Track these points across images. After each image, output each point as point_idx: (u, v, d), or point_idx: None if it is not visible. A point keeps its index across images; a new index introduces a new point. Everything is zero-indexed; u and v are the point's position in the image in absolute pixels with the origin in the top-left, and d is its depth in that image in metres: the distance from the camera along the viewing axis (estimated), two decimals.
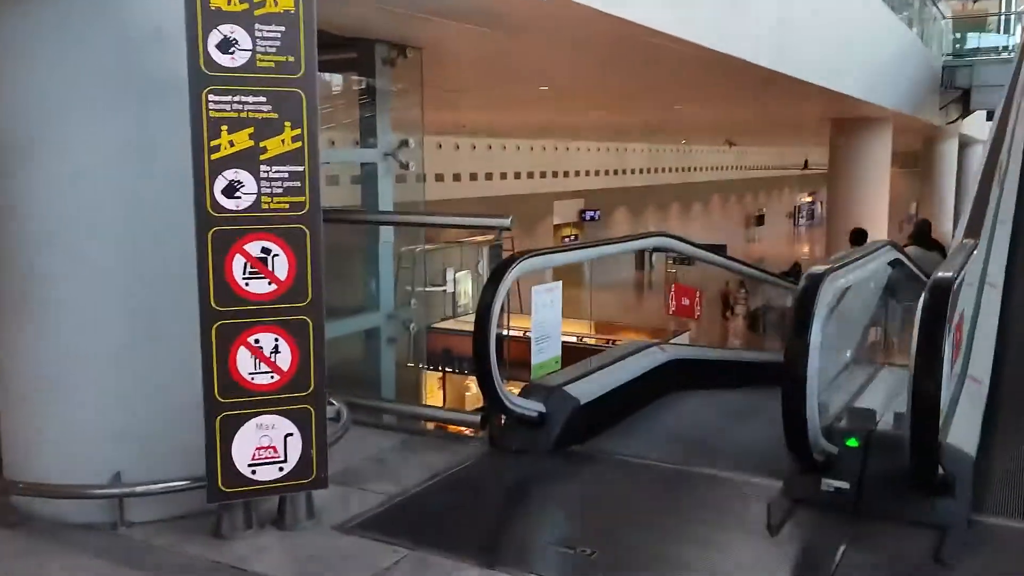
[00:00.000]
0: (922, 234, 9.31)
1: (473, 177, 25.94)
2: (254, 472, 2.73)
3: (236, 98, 2.61)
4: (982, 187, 4.91)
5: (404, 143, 6.27)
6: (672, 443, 4.03)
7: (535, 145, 29.94)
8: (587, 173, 33.67)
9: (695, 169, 41.82)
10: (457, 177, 24.93)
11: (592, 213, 34.23)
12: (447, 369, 14.53)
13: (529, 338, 3.75)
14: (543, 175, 30.93)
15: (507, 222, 3.69)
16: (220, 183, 2.61)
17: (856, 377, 4.01)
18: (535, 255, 3.60)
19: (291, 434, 2.76)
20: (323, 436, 2.83)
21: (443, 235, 24.68)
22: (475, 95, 11.92)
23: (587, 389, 3.94)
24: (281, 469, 2.76)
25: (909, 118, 17.05)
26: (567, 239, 33.69)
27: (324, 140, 6.28)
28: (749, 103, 13.46)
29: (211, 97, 2.57)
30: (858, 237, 9.80)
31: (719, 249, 23.32)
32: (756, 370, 6.62)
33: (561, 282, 3.91)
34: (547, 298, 3.74)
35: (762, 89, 10.61)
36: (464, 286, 22.92)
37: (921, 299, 2.68)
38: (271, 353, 2.71)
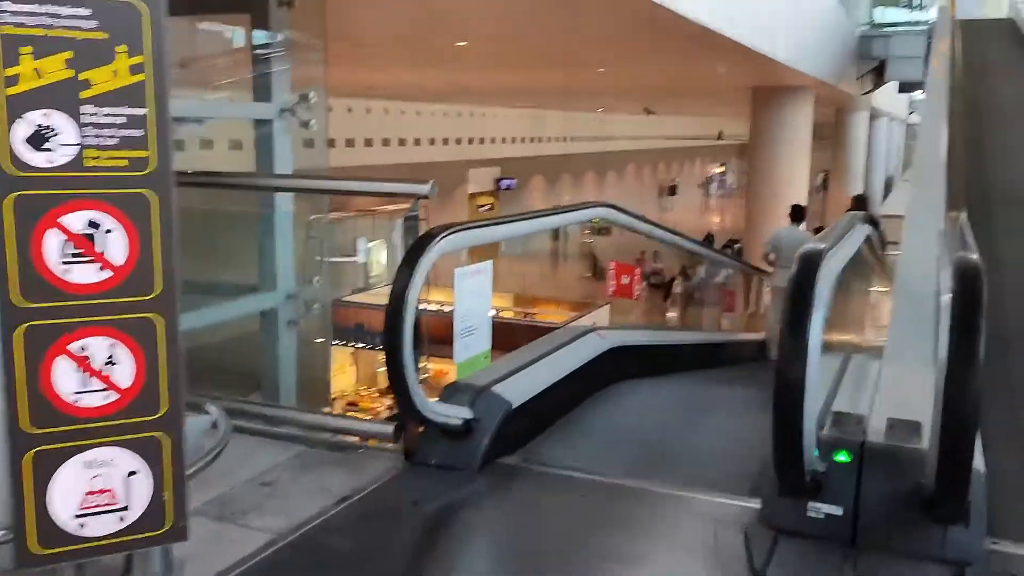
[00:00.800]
0: (859, 209, 8.93)
1: (386, 143, 24.96)
2: (83, 525, 2.01)
3: (45, 8, 1.85)
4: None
5: (304, 98, 5.41)
6: (621, 449, 3.46)
7: (450, 110, 29.06)
8: (504, 140, 32.99)
9: (611, 138, 41.61)
10: (369, 142, 23.90)
11: (508, 182, 33.63)
12: (358, 344, 13.80)
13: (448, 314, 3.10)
14: (458, 142, 30.11)
15: (426, 189, 3.02)
16: (22, 129, 1.85)
17: (828, 369, 3.50)
18: (462, 229, 2.94)
19: (135, 472, 2.05)
20: (181, 472, 2.12)
21: (353, 204, 23.76)
22: (388, 51, 11.09)
23: (520, 388, 3.33)
24: (122, 519, 2.04)
25: (829, 88, 16.94)
26: (483, 208, 33.02)
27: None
28: (674, 66, 13.00)
29: (5, 5, 1.81)
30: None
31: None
32: (702, 353, 6.18)
33: (491, 263, 3.27)
34: (473, 283, 3.10)
35: (690, 50, 10.14)
36: (377, 256, 22.09)
37: (953, 285, 2.15)
38: (104, 365, 1.98)
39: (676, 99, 24.59)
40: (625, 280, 4.46)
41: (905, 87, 22.36)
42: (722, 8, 8.08)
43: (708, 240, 33.92)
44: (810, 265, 2.43)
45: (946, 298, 2.14)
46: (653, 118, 43.43)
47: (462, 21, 8.17)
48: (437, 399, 3.04)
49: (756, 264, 14.42)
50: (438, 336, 3.14)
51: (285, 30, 5.37)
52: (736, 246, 33.41)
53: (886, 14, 21.78)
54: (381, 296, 15.99)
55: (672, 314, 11.11)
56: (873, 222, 8.90)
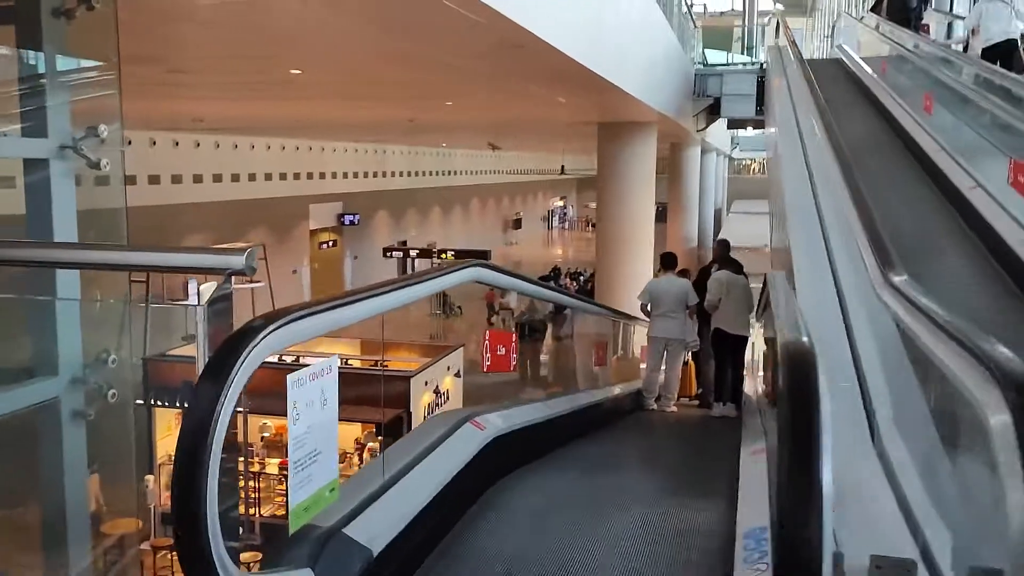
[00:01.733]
0: (727, 257, 8.46)
1: (217, 179, 23.18)
2: None
3: None
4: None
5: (92, 132, 4.19)
6: None
7: (288, 144, 27.56)
8: (345, 175, 31.71)
9: (455, 173, 41.13)
10: (199, 178, 22.10)
11: (351, 217, 32.32)
12: (187, 405, 12.25)
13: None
14: (297, 176, 28.61)
15: (240, 261, 2.07)
16: None
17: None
18: (296, 318, 2.00)
19: None
20: None
21: (182, 240, 21.74)
22: (214, 78, 9.86)
23: (382, 522, 2.41)
24: None
25: (670, 124, 16.98)
26: (325, 245, 31.53)
27: None
28: (524, 98, 12.45)
29: None
30: (669, 261, 8.70)
31: (484, 255, 22.25)
32: (584, 418, 5.42)
33: (337, 358, 2.33)
34: (313, 391, 2.15)
35: (545, 81, 9.58)
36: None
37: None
38: None
39: (521, 134, 24.31)
40: (501, 351, 3.65)
41: (734, 124, 23.05)
42: (580, 38, 7.52)
43: (555, 272, 33.93)
44: (805, 369, 1.66)
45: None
46: (498, 153, 43.38)
47: (296, 45, 7.18)
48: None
49: (609, 302, 14.05)
50: None
51: (63, 49, 4.17)
52: (581, 278, 33.60)
53: (714, 56, 22.47)
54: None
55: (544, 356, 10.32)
56: (740, 268, 8.60)
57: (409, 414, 12.21)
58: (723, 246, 8.91)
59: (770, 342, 3.65)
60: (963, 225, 5.92)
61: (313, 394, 2.18)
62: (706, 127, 21.78)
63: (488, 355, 3.58)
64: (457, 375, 13.51)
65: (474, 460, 3.16)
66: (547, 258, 44.06)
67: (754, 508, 2.57)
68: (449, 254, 25.43)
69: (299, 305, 2.07)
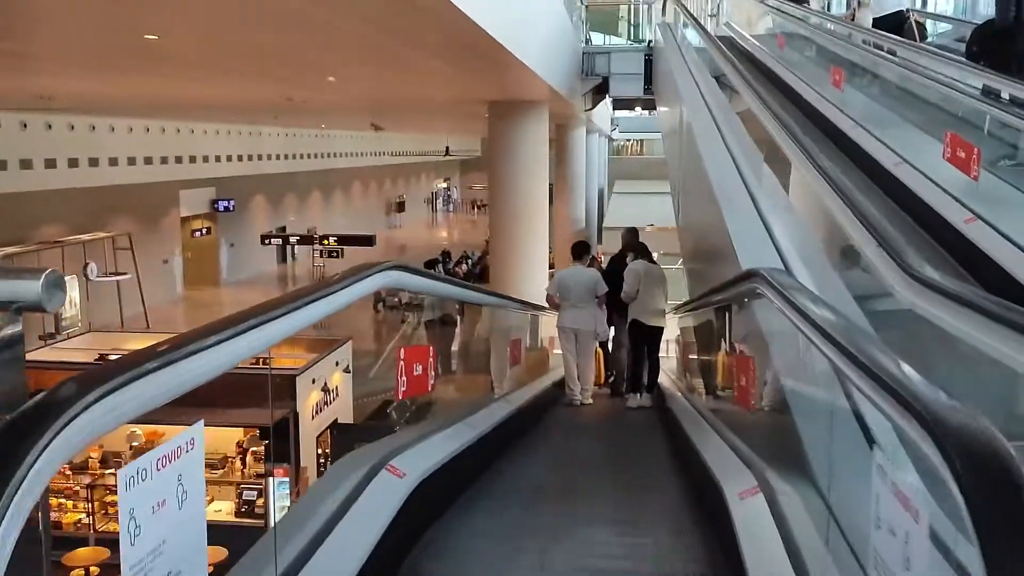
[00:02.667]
0: (641, 246, 8.00)
1: (74, 163, 21.17)
2: None
3: None
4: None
5: None
6: None
7: (153, 126, 25.56)
8: (218, 159, 29.80)
9: (336, 155, 39.52)
10: (51, 163, 20.09)
11: (226, 203, 30.46)
12: None
13: None
14: (165, 160, 26.62)
15: (34, 290, 1.24)
16: None
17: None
18: (121, 382, 1.20)
19: None
20: None
21: (34, 236, 19.76)
22: (51, 47, 8.55)
23: None
24: None
25: (561, 103, 16.45)
26: (198, 233, 29.59)
27: None
28: (413, 73, 11.58)
29: None
30: (582, 250, 8.19)
31: (368, 240, 21.21)
32: (512, 428, 4.75)
33: (202, 427, 1.53)
34: (165, 486, 1.36)
35: (439, 50, 8.77)
36: (70, 293, 18.45)
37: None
38: None
39: (406, 115, 23.29)
40: (418, 370, 2.90)
41: (620, 104, 22.79)
42: (483, 4, 6.76)
43: (445, 256, 33.02)
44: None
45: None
46: (380, 134, 41.98)
47: (146, 1, 6.08)
48: None
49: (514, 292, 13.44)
50: None
51: None
52: (469, 261, 32.88)
53: (598, 38, 22.09)
54: (70, 349, 13.01)
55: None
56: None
57: (296, 415, 11.23)
58: (633, 234, 8.54)
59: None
60: (892, 204, 5.57)
61: (165, 489, 1.38)
62: (593, 107, 21.40)
63: (403, 377, 2.83)
64: (347, 370, 12.58)
65: (396, 520, 2.42)
66: (433, 241, 43.16)
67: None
68: (331, 240, 24.20)
69: (134, 358, 1.27)
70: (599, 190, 36.49)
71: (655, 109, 24.27)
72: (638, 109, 20.04)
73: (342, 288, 2.26)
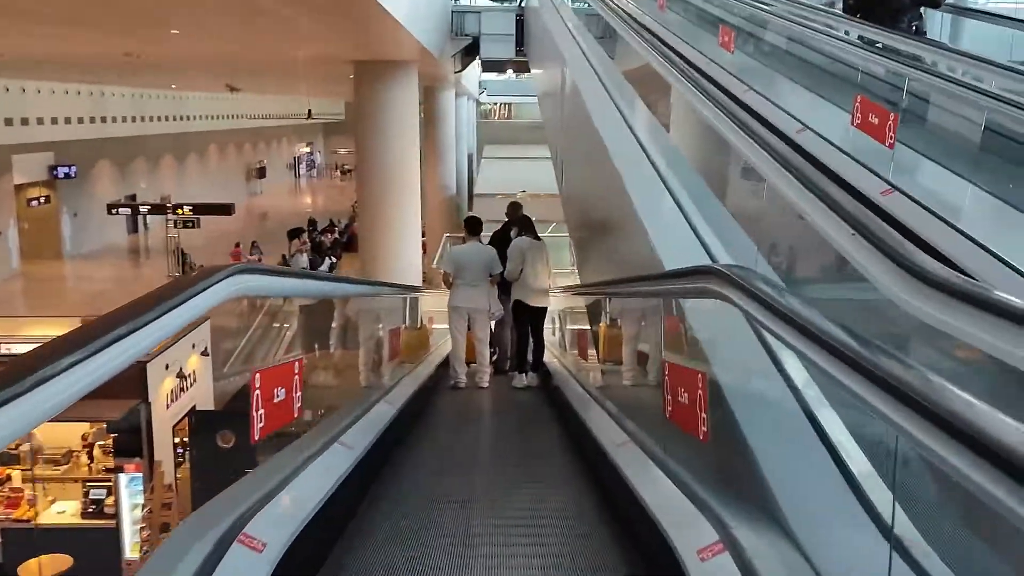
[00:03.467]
0: (527, 221, 7.45)
1: None
2: None
3: None
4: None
5: None
6: None
7: None
8: (55, 121, 27.14)
9: (189, 118, 36.96)
10: None
11: (67, 169, 27.85)
12: None
13: None
14: None
15: None
16: None
17: None
18: None
19: None
20: None
21: None
22: None
23: None
24: None
25: (431, 64, 15.65)
26: (35, 202, 26.92)
27: None
28: (270, 30, 10.52)
29: None
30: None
31: (227, 209, 19.72)
32: (399, 433, 4.07)
33: None
34: None
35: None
36: None
37: None
38: None
39: (265, 75, 21.74)
40: (280, 395, 2.20)
41: (491, 66, 22.11)
42: None
43: (311, 225, 31.51)
44: None
45: None
46: (237, 96, 39.54)
47: None
48: None
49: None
50: None
51: None
52: (336, 229, 31.56)
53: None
54: None
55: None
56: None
57: (148, 405, 10.12)
58: (516, 208, 8.00)
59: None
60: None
61: None
62: (463, 69, 20.63)
63: (259, 411, 2.14)
64: (204, 353, 11.48)
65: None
66: (297, 208, 41.33)
67: None
68: (186, 208, 22.47)
69: None
70: (469, 155, 35.79)
71: (527, 72, 23.78)
72: (509, 72, 19.40)
73: (166, 312, 1.54)
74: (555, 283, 8.64)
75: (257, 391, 2.11)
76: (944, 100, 4.84)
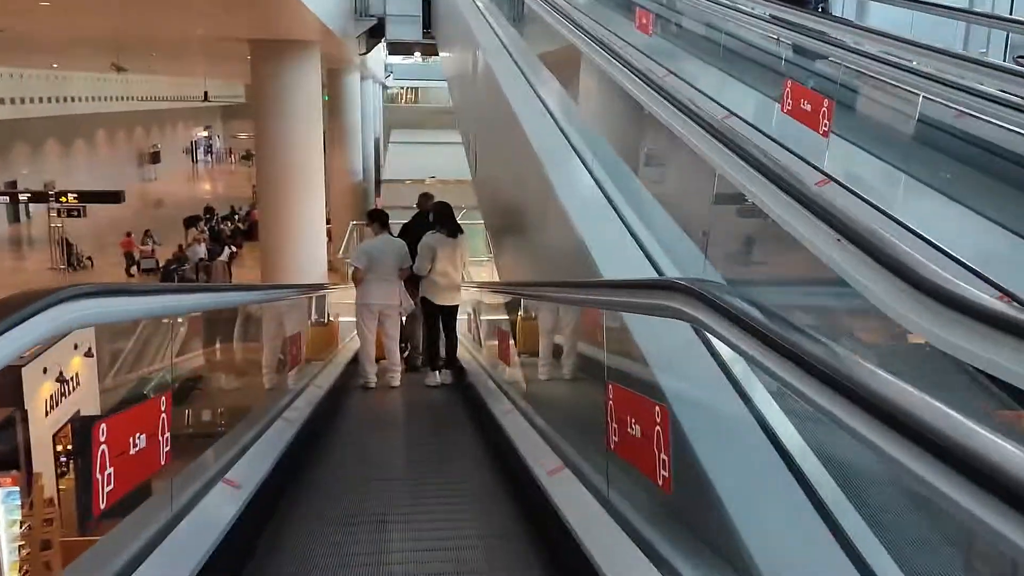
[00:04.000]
0: (444, 213, 6.97)
1: None
2: None
3: None
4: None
5: None
6: None
7: None
8: None
9: (74, 99, 34.72)
10: None
11: None
12: None
13: None
14: None
15: None
16: None
17: None
18: None
19: None
20: None
21: None
22: None
23: None
24: None
25: (334, 44, 14.93)
26: None
27: None
28: (160, 4, 9.70)
29: None
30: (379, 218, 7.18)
31: (116, 196, 18.44)
32: (308, 448, 3.57)
33: None
34: None
35: None
36: None
37: None
38: None
39: (156, 54, 20.44)
40: (139, 443, 1.75)
41: (397, 49, 21.42)
42: None
43: (209, 213, 30.03)
44: None
45: None
46: (127, 77, 37.37)
47: None
48: None
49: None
50: None
51: None
52: (236, 217, 30.24)
53: None
54: None
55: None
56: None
57: (24, 413, 9.23)
58: (427, 198, 7.58)
59: None
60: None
61: None
62: (368, 51, 19.90)
63: (105, 471, 1.66)
64: (89, 353, 10.57)
65: None
66: (194, 194, 39.53)
67: None
68: (70, 196, 21.01)
69: None
70: (375, 140, 34.85)
71: (435, 55, 23.14)
72: (417, 55, 18.80)
73: None
74: (469, 276, 8.26)
75: (103, 446, 1.63)
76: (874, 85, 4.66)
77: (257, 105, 13.09)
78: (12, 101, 29.77)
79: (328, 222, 20.14)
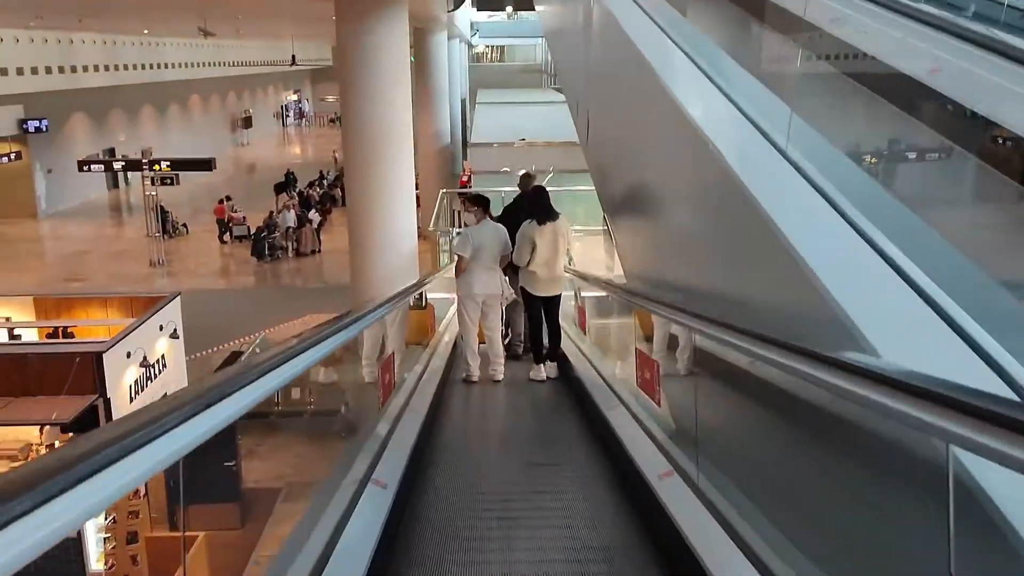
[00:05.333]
0: (540, 201, 6.23)
1: None
2: None
3: None
4: None
5: None
6: None
7: None
8: (21, 71, 25.18)
9: (168, 66, 34.83)
10: None
11: (38, 123, 25.98)
12: None
13: None
14: None
15: None
16: None
17: None
18: None
19: None
20: None
21: None
22: None
23: None
24: None
25: (421, 1, 13.88)
26: (5, 159, 25.09)
27: None
28: None
29: None
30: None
31: (207, 164, 17.90)
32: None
33: None
34: None
35: None
36: None
37: None
38: None
39: (241, 16, 19.83)
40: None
41: (486, 3, 20.19)
42: None
43: (289, 177, 29.67)
44: None
45: None
46: (218, 43, 37.32)
47: None
48: None
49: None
50: None
51: None
52: (325, 181, 29.80)
53: None
54: None
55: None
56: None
57: (107, 400, 8.72)
58: (528, 179, 7.05)
59: None
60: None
61: None
62: (456, 7, 18.81)
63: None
64: (174, 335, 10.03)
65: None
66: (284, 159, 39.42)
67: None
68: (163, 165, 20.76)
69: None
70: (462, 101, 33.85)
71: (524, 10, 21.88)
72: (508, 9, 17.56)
73: None
74: (573, 259, 7.52)
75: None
76: None
77: (342, 66, 12.18)
78: (107, 68, 29.93)
79: (416, 188, 19.34)
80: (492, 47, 58.25)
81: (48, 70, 26.46)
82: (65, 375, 8.38)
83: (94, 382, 8.48)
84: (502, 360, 6.35)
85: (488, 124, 24.85)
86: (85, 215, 27.51)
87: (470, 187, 21.71)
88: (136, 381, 9.24)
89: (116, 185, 31.42)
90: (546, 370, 6.24)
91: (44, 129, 26.24)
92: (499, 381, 6.22)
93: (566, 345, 6.68)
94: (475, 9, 27.14)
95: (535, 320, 6.42)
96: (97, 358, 8.43)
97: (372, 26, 11.77)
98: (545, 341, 6.40)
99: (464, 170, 26.48)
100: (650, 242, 4.54)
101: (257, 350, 14.60)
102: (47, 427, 9.14)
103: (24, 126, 25.76)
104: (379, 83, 11.98)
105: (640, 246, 4.88)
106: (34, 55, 25.61)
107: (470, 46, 45.75)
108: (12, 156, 25.36)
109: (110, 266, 21.20)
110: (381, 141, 12.06)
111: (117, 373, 8.80)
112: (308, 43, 34.69)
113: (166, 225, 23.62)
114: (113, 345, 8.67)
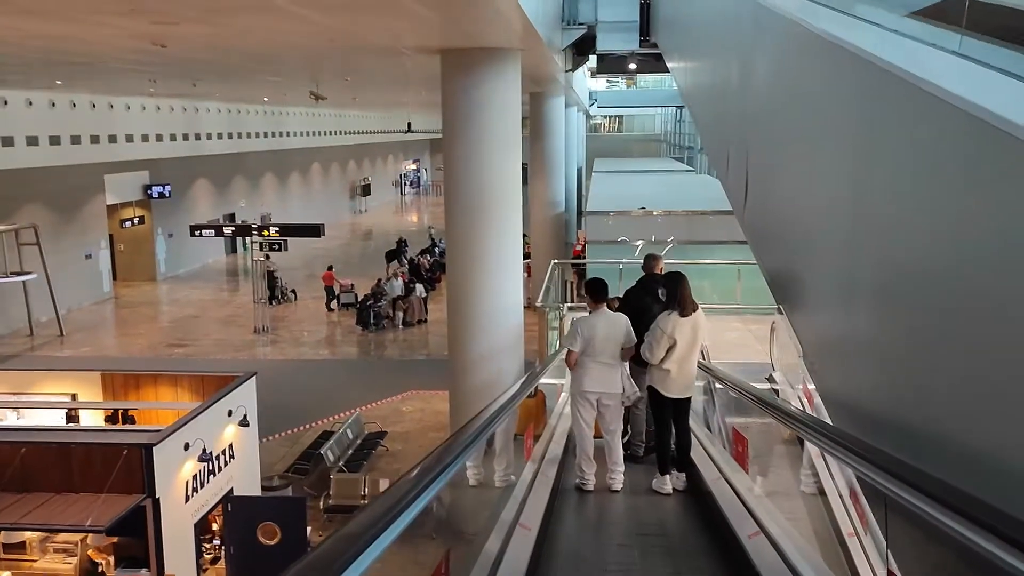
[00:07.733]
0: (676, 289, 5.25)
1: None
2: None
3: None
4: None
5: None
6: None
7: (60, 100, 21.38)
8: (146, 138, 25.61)
9: (289, 134, 35.32)
10: None
11: (162, 188, 26.31)
12: None
13: None
14: (76, 140, 22.40)
15: None
16: None
17: None
18: None
19: None
20: None
21: None
22: None
23: None
24: None
25: (536, 56, 12.62)
26: (129, 223, 25.36)
27: None
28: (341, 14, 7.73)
29: None
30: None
31: (316, 230, 16.95)
32: None
33: None
34: None
35: None
36: None
37: None
38: None
39: (352, 78, 19.24)
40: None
41: (606, 67, 18.84)
42: None
43: (401, 245, 28.97)
44: None
45: None
46: (339, 112, 37.76)
47: None
48: None
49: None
50: None
51: None
52: (436, 249, 28.94)
53: None
54: None
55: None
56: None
57: (156, 501, 7.40)
58: (653, 260, 6.26)
59: None
60: None
61: None
62: (575, 68, 17.55)
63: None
64: (243, 422, 8.72)
65: None
66: (401, 227, 39.13)
67: None
68: (272, 230, 20.20)
69: None
70: (578, 169, 32.65)
71: (648, 73, 20.48)
72: (631, 67, 16.15)
73: None
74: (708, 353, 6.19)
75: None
76: None
77: (446, 123, 10.94)
78: (230, 136, 30.37)
79: (527, 256, 17.88)
80: (610, 118, 57.35)
81: (173, 137, 26.90)
82: (111, 469, 7.14)
83: (142, 479, 7.20)
84: (621, 468, 5.43)
85: (605, 192, 23.39)
86: (202, 279, 27.51)
87: (584, 257, 20.25)
88: (195, 476, 7.93)
89: (234, 250, 31.59)
90: (672, 482, 5.37)
91: (167, 195, 26.54)
92: (617, 491, 5.42)
93: (694, 450, 5.35)
94: (590, 75, 25.98)
95: (663, 425, 5.44)
96: (147, 451, 7.16)
97: (479, 79, 10.50)
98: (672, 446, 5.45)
99: (578, 239, 25.03)
100: (855, 341, 2.74)
101: (348, 433, 13.30)
102: (95, 540, 7.92)
103: (148, 191, 26.12)
104: (485, 142, 10.65)
105: (834, 330, 3.09)
106: (160, 122, 26.07)
107: (588, 116, 44.82)
108: (136, 220, 25.65)
109: (217, 332, 20.66)
110: (486, 206, 10.67)
111: (171, 468, 7.51)
112: (427, 111, 34.46)
113: (274, 291, 23.07)
114: (166, 437, 7.40)
